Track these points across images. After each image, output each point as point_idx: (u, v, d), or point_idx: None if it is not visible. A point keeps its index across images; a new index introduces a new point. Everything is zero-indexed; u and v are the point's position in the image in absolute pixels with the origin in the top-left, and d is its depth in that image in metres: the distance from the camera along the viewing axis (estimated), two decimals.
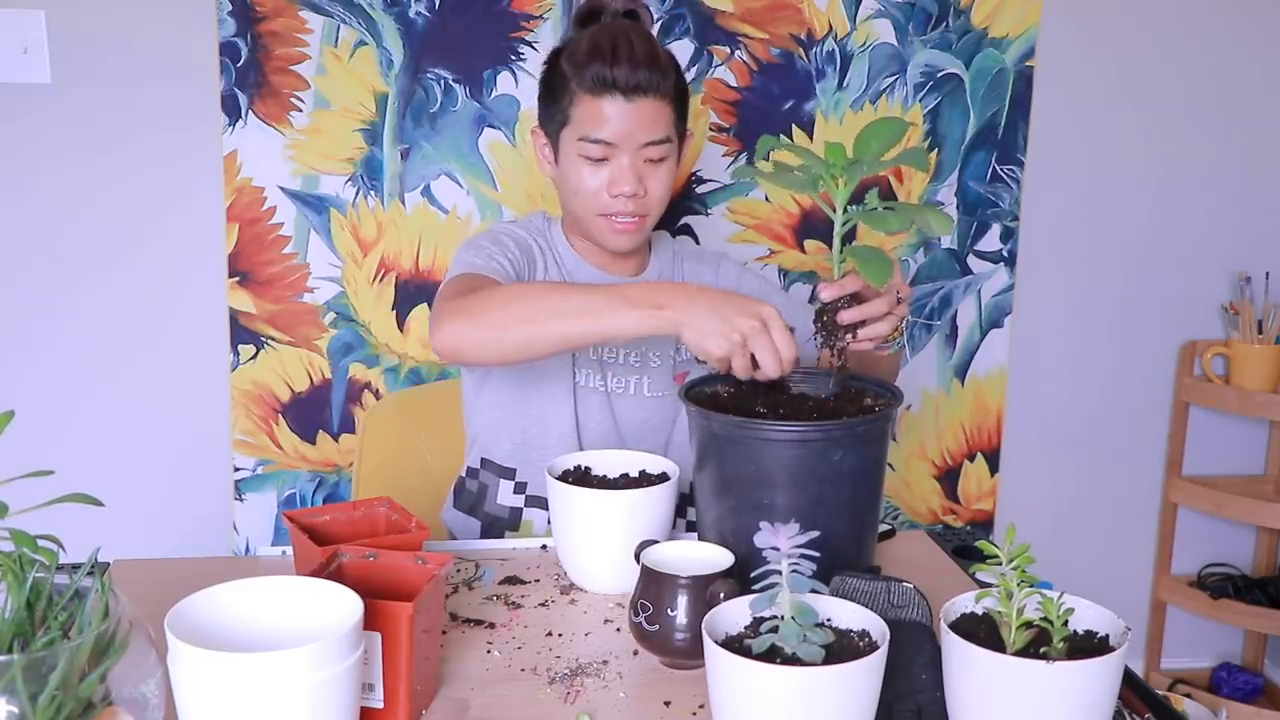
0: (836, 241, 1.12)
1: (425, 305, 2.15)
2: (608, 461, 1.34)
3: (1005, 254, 2.32)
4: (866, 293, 1.18)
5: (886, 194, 2.25)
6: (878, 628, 0.89)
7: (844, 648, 0.88)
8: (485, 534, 1.59)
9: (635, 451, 1.36)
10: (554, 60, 1.51)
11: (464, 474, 1.65)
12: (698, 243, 2.20)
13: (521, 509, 1.57)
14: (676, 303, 1.19)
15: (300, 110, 2.08)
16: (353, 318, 2.16)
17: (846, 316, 1.16)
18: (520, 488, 1.58)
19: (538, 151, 1.56)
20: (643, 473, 1.33)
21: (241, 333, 2.13)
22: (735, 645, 0.88)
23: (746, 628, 0.92)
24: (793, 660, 0.85)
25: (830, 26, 2.17)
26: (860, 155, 1.13)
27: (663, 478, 1.29)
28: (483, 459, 1.61)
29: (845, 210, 1.13)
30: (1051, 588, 0.91)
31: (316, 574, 0.96)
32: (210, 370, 2.16)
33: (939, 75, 2.22)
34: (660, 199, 1.50)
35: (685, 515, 1.56)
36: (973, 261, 2.31)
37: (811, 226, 2.24)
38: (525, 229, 1.59)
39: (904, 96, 2.22)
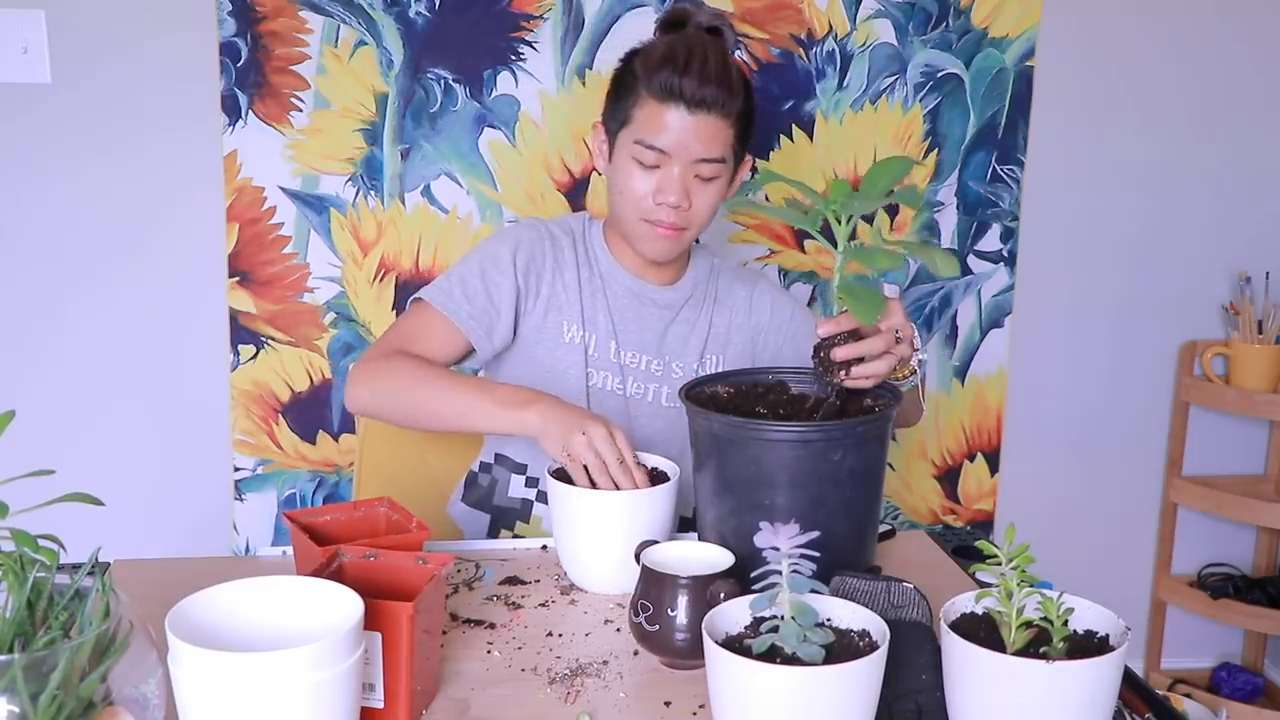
0: (836, 277, 1.11)
1: None
2: None
3: (1005, 254, 2.32)
4: (866, 330, 1.17)
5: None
6: (878, 628, 0.89)
7: (844, 648, 0.88)
8: (494, 526, 1.60)
9: (637, 451, 1.35)
10: (628, 60, 1.51)
11: (476, 468, 1.65)
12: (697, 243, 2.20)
13: (532, 502, 1.58)
14: (538, 409, 1.31)
15: (300, 110, 2.08)
16: (353, 318, 2.16)
17: (840, 353, 1.14)
18: (532, 482, 1.59)
19: (594, 146, 1.56)
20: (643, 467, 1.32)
21: (241, 333, 2.13)
22: (735, 645, 0.88)
23: (746, 628, 0.92)
24: (793, 660, 0.85)
25: (830, 26, 2.17)
26: (867, 193, 1.13)
27: (663, 478, 1.29)
28: (497, 454, 1.62)
29: (847, 246, 1.12)
30: (1051, 588, 0.91)
31: (317, 574, 0.96)
32: (210, 370, 2.16)
33: (939, 75, 2.22)
34: (704, 216, 1.49)
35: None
36: (973, 261, 2.31)
37: None
38: (555, 226, 1.60)
39: (904, 96, 2.22)
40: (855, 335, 1.16)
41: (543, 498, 1.57)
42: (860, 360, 1.16)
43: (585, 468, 1.26)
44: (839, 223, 1.12)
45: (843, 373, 1.15)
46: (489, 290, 1.51)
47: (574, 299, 1.55)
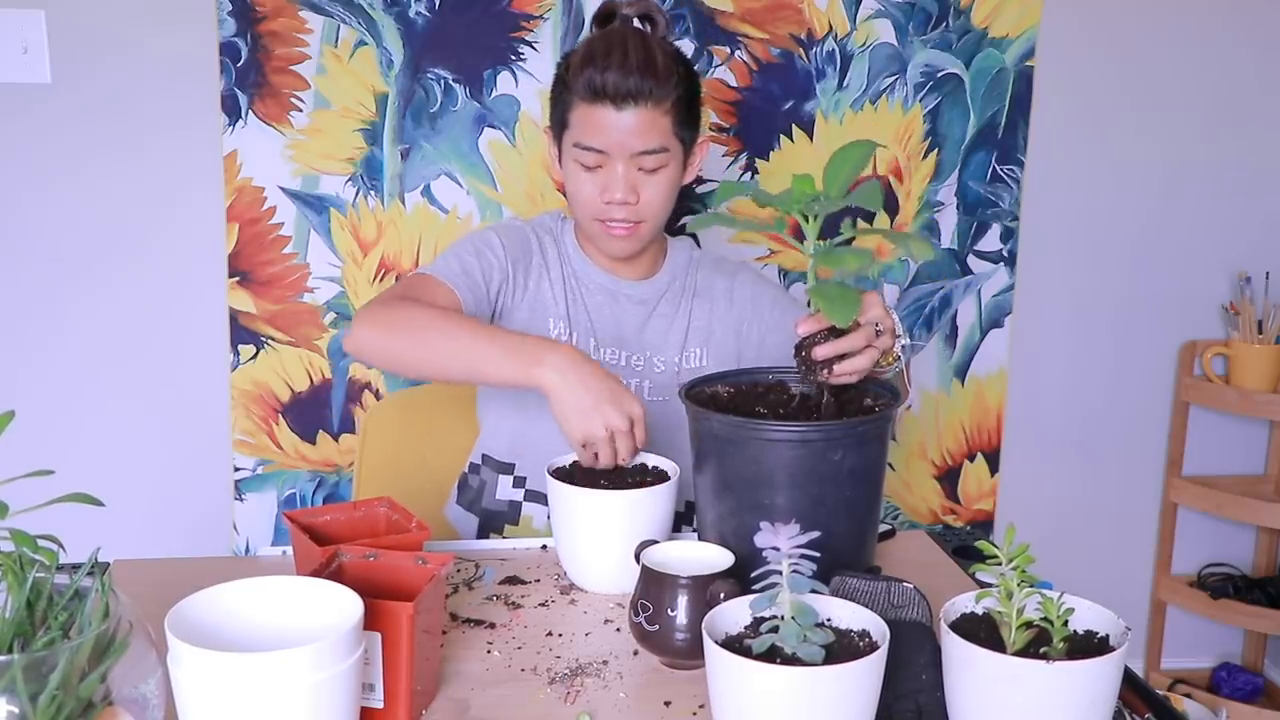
0: (810, 276, 1.11)
1: None
2: None
3: (1005, 254, 2.32)
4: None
5: (887, 194, 2.24)
6: (878, 628, 0.89)
7: (844, 648, 0.88)
8: (484, 530, 1.59)
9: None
10: (562, 63, 1.51)
11: (466, 469, 1.65)
12: (698, 244, 2.20)
13: (521, 503, 1.57)
14: (554, 365, 1.25)
15: (300, 110, 2.08)
16: (353, 318, 2.15)
17: (820, 352, 1.13)
18: (519, 482, 1.58)
19: (549, 153, 1.57)
20: (642, 466, 1.32)
21: (241, 333, 2.13)
22: (735, 645, 0.88)
23: (746, 628, 0.92)
24: (793, 660, 0.85)
25: (830, 26, 2.17)
26: (829, 183, 1.12)
27: (663, 477, 1.29)
28: (484, 455, 1.61)
29: (816, 245, 1.12)
30: (1051, 588, 0.91)
31: (317, 574, 0.96)
32: (210, 370, 2.16)
33: (939, 75, 2.22)
34: (657, 207, 1.49)
35: (692, 524, 1.54)
36: (973, 261, 2.31)
37: None
38: (534, 226, 1.61)
39: (904, 96, 2.22)
40: (835, 332, 1.14)
41: (531, 497, 1.57)
42: (843, 356, 1.15)
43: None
44: (806, 220, 1.12)
45: (825, 371, 1.14)
46: (483, 269, 1.51)
47: (559, 297, 1.56)
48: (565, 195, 1.55)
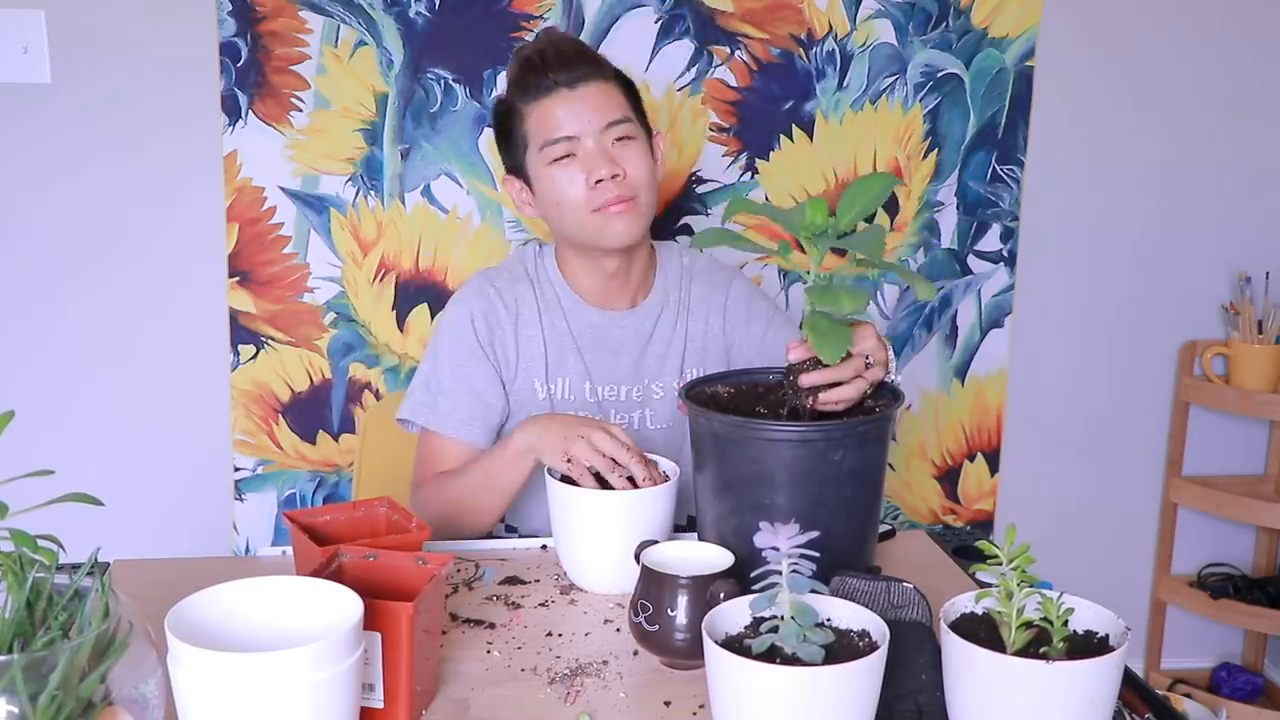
0: (805, 306, 1.10)
1: (425, 305, 2.16)
2: None
3: (1005, 254, 2.32)
4: None
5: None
6: (878, 628, 0.89)
7: (844, 648, 0.88)
8: None
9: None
10: (498, 105, 1.55)
11: None
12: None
13: (509, 536, 1.58)
14: (524, 431, 1.35)
15: (300, 110, 2.08)
16: (353, 318, 2.16)
17: (806, 380, 1.12)
18: (510, 529, 1.60)
19: (515, 199, 1.56)
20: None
21: (241, 333, 2.13)
22: (735, 645, 0.88)
23: (746, 628, 0.92)
24: (793, 660, 0.85)
25: (830, 26, 2.17)
26: (843, 213, 1.13)
27: (663, 478, 1.29)
28: None
29: (816, 277, 1.12)
30: (1051, 588, 0.91)
31: (316, 574, 0.96)
32: (210, 370, 2.16)
33: (939, 75, 2.22)
34: (645, 179, 1.48)
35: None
36: (973, 261, 2.31)
37: None
38: (509, 272, 1.58)
39: (904, 96, 2.22)
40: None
41: (512, 530, 1.59)
42: (832, 384, 1.13)
43: (596, 473, 1.27)
44: (811, 249, 1.11)
45: (810, 399, 1.13)
46: (470, 385, 1.51)
47: (539, 352, 1.54)
48: (549, 219, 1.54)
